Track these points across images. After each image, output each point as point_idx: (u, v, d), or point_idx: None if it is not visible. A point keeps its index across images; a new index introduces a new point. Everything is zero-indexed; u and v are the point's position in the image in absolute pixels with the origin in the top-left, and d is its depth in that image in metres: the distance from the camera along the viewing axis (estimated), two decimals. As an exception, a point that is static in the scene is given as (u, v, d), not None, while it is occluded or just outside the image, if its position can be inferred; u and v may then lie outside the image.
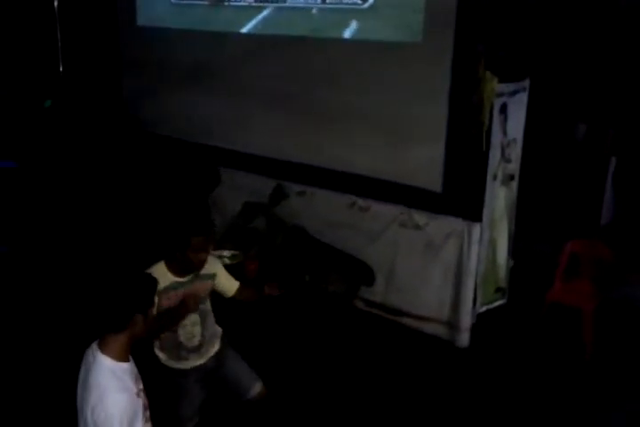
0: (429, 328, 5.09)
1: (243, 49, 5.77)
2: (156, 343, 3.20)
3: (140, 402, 2.25)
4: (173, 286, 3.01)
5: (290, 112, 5.51)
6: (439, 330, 5.06)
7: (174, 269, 3.00)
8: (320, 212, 5.38)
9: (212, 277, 3.19)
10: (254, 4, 5.77)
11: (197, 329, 3.17)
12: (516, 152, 4.99)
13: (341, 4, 5.21)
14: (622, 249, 5.95)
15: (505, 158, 4.90)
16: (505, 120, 4.75)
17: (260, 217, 5.50)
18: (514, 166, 5.03)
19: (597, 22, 6.21)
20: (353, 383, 4.50)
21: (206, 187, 5.69)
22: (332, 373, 4.60)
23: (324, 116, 5.33)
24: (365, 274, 5.16)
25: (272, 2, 5.63)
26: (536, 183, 6.22)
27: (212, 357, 3.29)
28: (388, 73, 4.91)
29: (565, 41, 6.09)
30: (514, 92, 4.75)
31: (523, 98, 4.86)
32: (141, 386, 2.34)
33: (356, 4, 5.10)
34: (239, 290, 3.35)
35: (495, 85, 4.47)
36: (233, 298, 3.35)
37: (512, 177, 5.02)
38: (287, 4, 5.54)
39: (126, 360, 2.27)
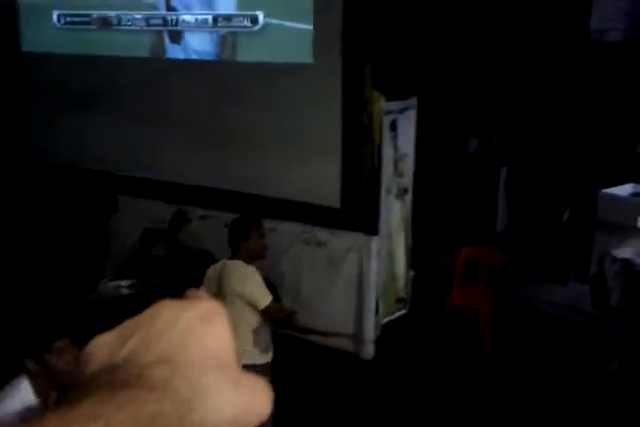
0: (335, 343, 5.15)
1: (138, 73, 5.72)
2: None
3: None
4: None
5: (189, 135, 5.50)
6: (345, 344, 5.14)
7: None
8: (224, 235, 5.36)
9: None
10: (145, 28, 5.76)
11: None
12: (407, 166, 5.21)
13: (232, 26, 5.29)
14: (517, 253, 6.32)
15: (398, 173, 5.10)
16: (395, 136, 4.96)
17: (161, 243, 5.43)
18: (407, 180, 5.24)
19: (481, 36, 6.60)
20: None
21: (102, 215, 5.55)
22: None
23: (223, 138, 5.36)
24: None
25: (163, 25, 5.64)
26: (433, 195, 6.51)
27: None
28: (285, 94, 5.02)
29: (452, 57, 6.44)
30: (402, 110, 4.97)
31: (412, 114, 5.09)
32: None
33: (246, 26, 5.19)
34: None
35: (383, 104, 4.67)
36: None
37: (405, 190, 5.23)
38: (179, 28, 5.57)
39: None
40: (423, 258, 5.97)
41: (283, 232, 5.19)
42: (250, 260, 3.71)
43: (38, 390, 2.12)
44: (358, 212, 4.90)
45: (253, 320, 3.60)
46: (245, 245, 3.71)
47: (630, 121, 6.34)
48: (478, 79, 6.61)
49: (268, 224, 5.25)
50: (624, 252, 4.53)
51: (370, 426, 4.39)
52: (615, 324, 5.00)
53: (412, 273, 5.72)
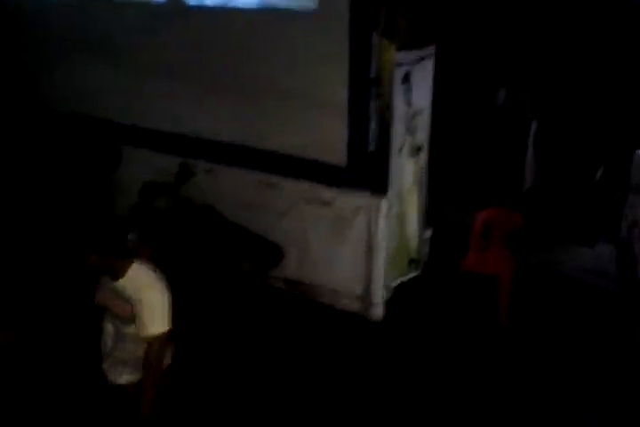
0: (343, 304, 5.03)
1: (145, 20, 5.42)
2: None
3: None
4: (104, 284, 2.82)
5: (194, 85, 5.21)
6: (353, 305, 5.00)
7: None
8: (228, 190, 5.19)
9: (130, 300, 2.70)
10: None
11: (108, 341, 2.92)
12: (422, 122, 4.85)
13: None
14: (543, 214, 5.98)
15: (411, 130, 4.76)
16: (409, 90, 4.58)
17: (162, 197, 5.28)
18: (421, 138, 4.89)
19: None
20: (267, 361, 4.44)
21: (108, 167, 5.42)
22: (250, 351, 4.53)
23: (228, 88, 5.06)
24: (273, 254, 5.05)
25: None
26: (455, 150, 6.14)
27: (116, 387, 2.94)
28: (289, 43, 4.64)
29: (479, 3, 5.92)
30: (417, 60, 4.57)
31: (428, 65, 4.68)
32: None
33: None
34: (149, 339, 2.73)
35: (393, 54, 4.29)
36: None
37: (420, 148, 4.90)
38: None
39: None
40: (443, 217, 5.70)
41: (286, 189, 4.97)
42: None
43: None
44: (366, 170, 4.61)
45: None
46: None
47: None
48: (508, 26, 6.08)
49: (271, 180, 5.07)
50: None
51: (375, 389, 4.26)
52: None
53: (429, 232, 5.47)
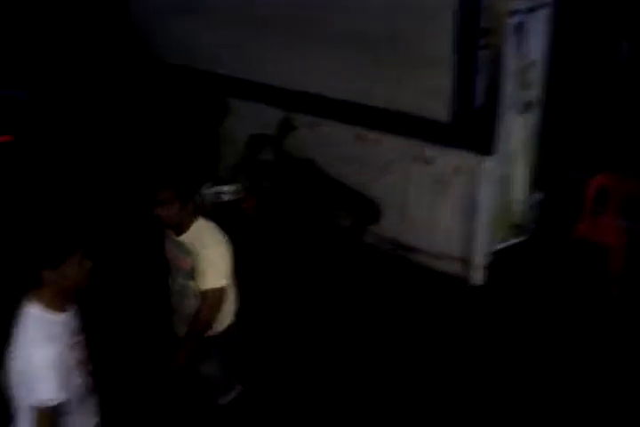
0: (442, 265, 4.89)
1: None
2: None
3: (73, 355, 2.21)
4: (170, 242, 2.89)
5: (301, 40, 5.13)
6: (452, 267, 4.86)
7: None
8: (329, 144, 5.13)
9: (191, 254, 2.78)
10: None
11: (176, 296, 3.01)
12: (536, 77, 4.50)
13: None
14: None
15: (523, 85, 4.43)
16: (521, 41, 4.25)
17: (268, 149, 5.31)
18: (534, 93, 4.55)
19: None
20: (362, 320, 4.43)
21: (215, 119, 5.50)
22: (342, 309, 4.54)
23: (334, 42, 4.95)
24: (371, 210, 4.96)
25: None
26: (574, 107, 5.67)
27: None
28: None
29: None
30: (532, 9, 4.22)
31: (544, 15, 4.30)
32: (79, 339, 2.29)
33: None
34: (206, 292, 2.80)
35: (507, 1, 3.98)
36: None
37: (531, 104, 4.56)
38: None
39: (60, 311, 2.20)
40: (555, 180, 5.34)
41: (387, 146, 4.84)
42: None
43: None
44: (470, 128, 4.37)
45: None
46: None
47: None
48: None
49: (372, 135, 4.95)
50: None
51: (470, 353, 4.17)
52: None
53: (538, 196, 5.16)
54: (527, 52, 4.33)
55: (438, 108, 4.43)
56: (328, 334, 4.32)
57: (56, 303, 2.19)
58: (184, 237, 2.79)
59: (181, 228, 2.78)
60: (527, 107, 4.54)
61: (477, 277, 4.79)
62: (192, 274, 2.78)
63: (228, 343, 3.01)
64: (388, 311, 4.55)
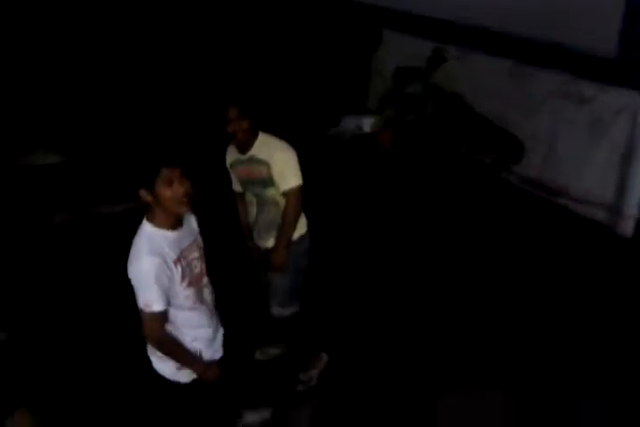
0: (588, 211, 4.60)
1: None
2: None
3: (178, 268, 2.31)
4: (238, 162, 3.06)
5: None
6: (599, 214, 4.55)
7: (235, 144, 3.03)
8: (478, 78, 4.88)
9: (266, 164, 2.96)
10: None
11: (253, 210, 3.16)
12: None
13: None
14: None
15: None
16: None
17: (416, 82, 5.14)
18: None
19: None
20: (496, 263, 4.24)
21: (368, 48, 5.38)
22: (476, 249, 4.38)
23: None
24: (515, 149, 4.71)
25: None
26: None
27: (265, 250, 3.15)
28: None
29: None
30: None
31: None
32: (194, 255, 2.41)
33: None
34: (288, 192, 2.95)
35: None
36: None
37: None
38: None
39: (172, 228, 2.32)
40: None
41: (541, 81, 4.51)
42: (238, 148, 3.13)
43: None
44: (638, 64, 3.94)
45: None
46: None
47: None
48: None
49: (526, 70, 4.62)
50: None
51: (612, 303, 3.88)
52: None
53: None
54: None
55: (604, 41, 4.03)
56: (456, 273, 4.16)
57: (164, 221, 2.31)
58: (252, 152, 2.97)
59: (248, 143, 2.95)
60: None
61: (627, 227, 4.45)
62: (269, 181, 2.97)
63: (301, 253, 3.14)
64: (523, 255, 4.34)
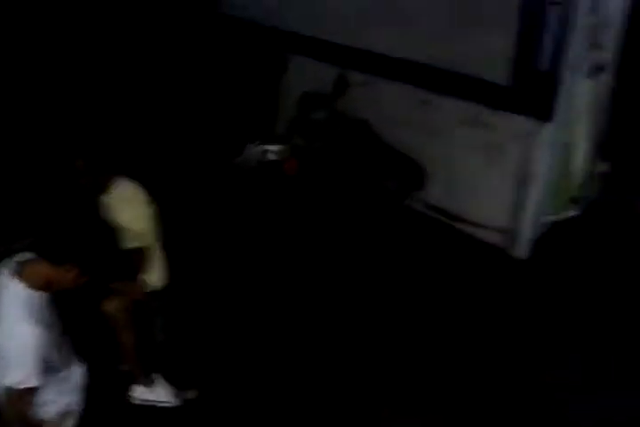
0: (485, 235, 4.68)
1: None
2: None
3: (53, 334, 2.18)
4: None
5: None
6: (496, 238, 4.64)
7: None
8: (382, 104, 4.90)
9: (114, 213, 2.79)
10: None
11: None
12: (609, 37, 4.12)
13: None
14: None
15: (594, 45, 4.07)
16: (596, -4, 3.88)
17: (321, 109, 5.10)
18: (606, 55, 4.18)
19: None
20: (398, 287, 4.30)
21: (275, 74, 5.31)
22: (378, 274, 4.42)
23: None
24: (418, 175, 4.75)
25: None
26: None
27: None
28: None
29: None
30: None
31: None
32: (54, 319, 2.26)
33: None
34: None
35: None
36: None
37: (602, 68, 4.19)
38: None
39: (44, 291, 2.17)
40: (624, 150, 4.96)
41: (441, 108, 4.59)
42: None
43: None
44: (532, 92, 4.07)
45: None
46: None
47: None
48: None
49: (427, 97, 4.68)
50: None
51: (503, 326, 4.01)
52: None
53: (603, 167, 4.82)
54: (600, 8, 3.96)
55: (499, 70, 4.14)
56: (363, 299, 4.20)
57: (47, 285, 2.17)
58: (106, 198, 2.87)
59: (100, 188, 2.87)
60: (596, 70, 4.18)
61: (522, 250, 4.56)
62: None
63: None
64: (424, 279, 4.39)
